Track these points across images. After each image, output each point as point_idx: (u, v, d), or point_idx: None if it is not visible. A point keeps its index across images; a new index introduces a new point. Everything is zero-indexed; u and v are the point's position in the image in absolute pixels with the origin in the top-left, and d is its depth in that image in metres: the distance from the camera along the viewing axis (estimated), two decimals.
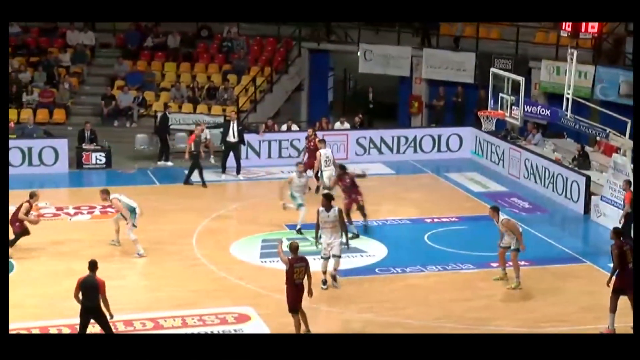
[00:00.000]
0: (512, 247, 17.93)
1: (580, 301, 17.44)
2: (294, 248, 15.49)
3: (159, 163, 27.02)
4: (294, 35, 32.75)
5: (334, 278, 17.82)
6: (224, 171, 25.78)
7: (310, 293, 15.45)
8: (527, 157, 25.62)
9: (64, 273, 18.07)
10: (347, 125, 28.49)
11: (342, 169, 21.13)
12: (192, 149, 24.77)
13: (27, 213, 19.44)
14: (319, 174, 23.20)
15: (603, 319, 16.50)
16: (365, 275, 18.57)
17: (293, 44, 32.83)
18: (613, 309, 15.82)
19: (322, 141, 23.65)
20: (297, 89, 33.10)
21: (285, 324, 15.90)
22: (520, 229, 18.27)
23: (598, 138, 23.82)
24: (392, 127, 30.14)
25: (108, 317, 14.44)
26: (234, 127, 25.87)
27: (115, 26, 33.08)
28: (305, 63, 33.13)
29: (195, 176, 24.80)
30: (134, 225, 19.48)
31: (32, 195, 19.87)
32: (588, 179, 23.23)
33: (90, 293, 14.19)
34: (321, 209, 17.64)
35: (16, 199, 21.91)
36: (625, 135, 21.24)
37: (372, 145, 27.91)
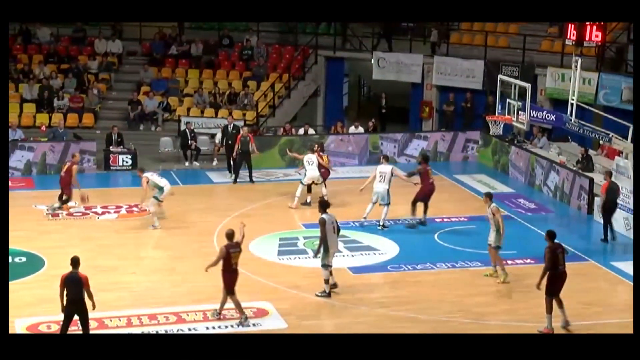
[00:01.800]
0: (492, 245, 18.37)
1: (583, 297, 17.71)
2: (228, 235, 16.07)
3: (194, 163, 27.88)
4: (311, 43, 33.45)
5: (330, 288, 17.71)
6: (235, 180, 26.07)
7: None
8: (533, 159, 26.03)
9: (92, 269, 18.14)
10: (361, 129, 29.08)
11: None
12: (240, 148, 25.45)
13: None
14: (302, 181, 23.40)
15: (603, 314, 17.05)
16: (377, 272, 18.96)
17: (310, 52, 33.23)
18: (549, 310, 15.94)
19: (310, 148, 23.86)
20: (313, 95, 33.51)
21: (302, 318, 16.47)
22: (503, 225, 18.44)
23: (601, 142, 23.81)
24: (404, 131, 30.52)
25: (91, 308, 14.61)
26: (230, 130, 26.42)
27: (141, 35, 33.87)
28: (322, 70, 33.54)
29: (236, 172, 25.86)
30: (157, 199, 21.18)
31: (74, 156, 22.67)
32: (591, 181, 23.53)
33: (74, 287, 14.45)
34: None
35: (46, 200, 23.13)
36: (627, 139, 21.48)
37: (385, 148, 28.35)
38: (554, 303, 15.99)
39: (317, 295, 17.51)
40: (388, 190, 21.56)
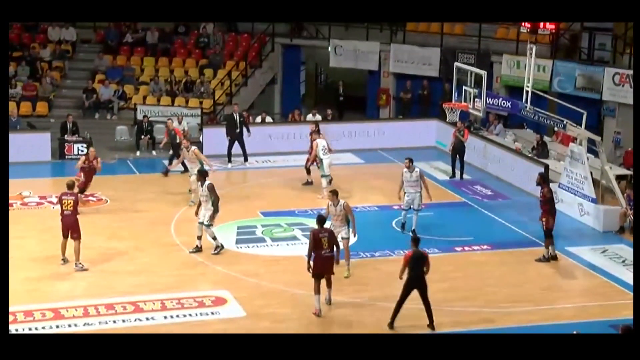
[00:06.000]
0: (343, 236, 18.06)
1: (541, 282, 17.98)
2: (68, 185, 18.43)
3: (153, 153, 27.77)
4: (267, 31, 33.40)
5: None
6: (229, 160, 26.34)
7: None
8: (489, 146, 26.18)
9: (47, 259, 18.51)
10: (318, 117, 28.97)
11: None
12: (169, 141, 25.41)
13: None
14: (310, 166, 23.46)
15: (563, 299, 17.35)
16: None
17: (267, 40, 33.20)
18: (317, 290, 16.20)
19: (317, 131, 23.72)
20: (270, 83, 33.50)
21: (260, 306, 16.48)
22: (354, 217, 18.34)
23: (556, 128, 24.21)
24: (361, 119, 30.67)
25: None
26: (236, 118, 26.47)
27: (95, 23, 33.53)
28: (279, 58, 33.55)
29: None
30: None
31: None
32: (547, 167, 23.63)
33: (418, 264, 15.61)
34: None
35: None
36: (581, 125, 21.73)
37: (343, 136, 28.20)
38: (323, 283, 16.30)
39: (212, 254, 19.03)
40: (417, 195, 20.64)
